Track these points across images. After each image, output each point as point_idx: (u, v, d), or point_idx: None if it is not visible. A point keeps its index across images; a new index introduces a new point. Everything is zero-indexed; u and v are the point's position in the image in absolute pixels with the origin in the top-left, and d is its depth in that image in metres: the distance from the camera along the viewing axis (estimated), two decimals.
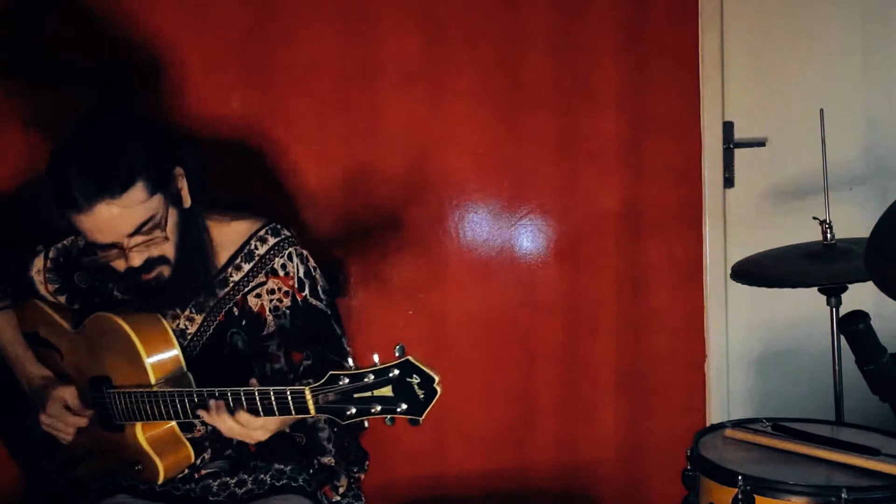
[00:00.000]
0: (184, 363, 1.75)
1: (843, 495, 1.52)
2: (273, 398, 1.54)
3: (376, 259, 2.50)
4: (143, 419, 1.71)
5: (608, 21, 2.57)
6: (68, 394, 1.80)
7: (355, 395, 1.46)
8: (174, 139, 1.78)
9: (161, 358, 1.72)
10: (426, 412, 1.44)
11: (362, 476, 1.99)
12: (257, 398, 1.56)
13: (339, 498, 1.90)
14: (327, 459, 1.90)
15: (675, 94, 2.61)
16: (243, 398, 1.57)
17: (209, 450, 1.86)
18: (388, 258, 2.50)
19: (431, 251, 2.53)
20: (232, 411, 1.59)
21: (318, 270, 1.91)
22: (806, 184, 2.56)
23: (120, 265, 1.67)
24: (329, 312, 1.90)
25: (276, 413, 1.55)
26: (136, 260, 1.65)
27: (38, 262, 1.91)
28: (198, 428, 1.84)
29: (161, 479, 1.76)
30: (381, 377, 1.44)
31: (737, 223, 2.69)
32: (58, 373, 1.89)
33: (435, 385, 1.43)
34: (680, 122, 2.62)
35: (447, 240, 2.54)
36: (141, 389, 1.70)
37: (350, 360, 1.48)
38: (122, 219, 1.60)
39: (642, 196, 2.61)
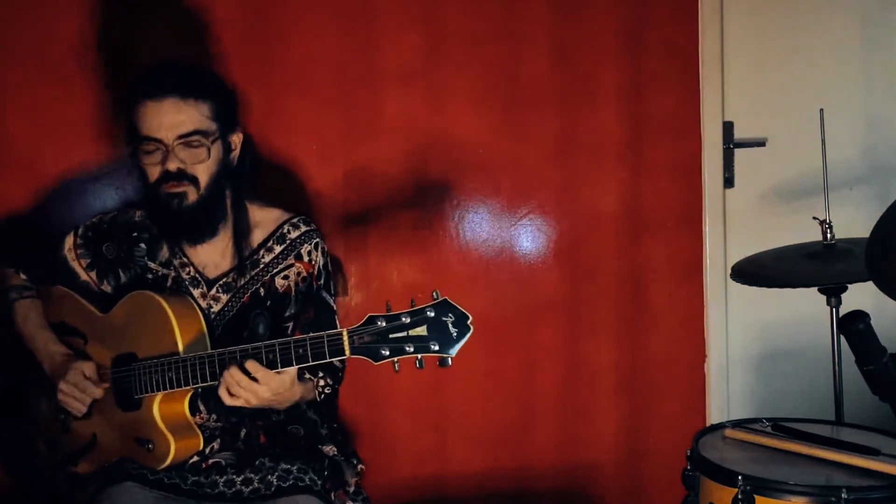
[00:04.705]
0: (208, 339, 1.82)
1: (843, 495, 1.52)
2: (308, 344, 1.59)
3: (376, 259, 2.50)
4: (166, 387, 1.75)
5: (608, 20, 2.57)
6: (87, 366, 1.87)
7: (391, 336, 1.53)
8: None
9: (189, 331, 1.80)
10: (457, 348, 1.52)
11: (363, 468, 2.03)
12: (292, 346, 1.61)
13: (350, 503, 1.93)
14: (329, 448, 1.95)
15: (675, 94, 2.61)
16: (277, 349, 1.63)
17: (218, 440, 1.89)
18: (387, 258, 2.50)
19: (431, 251, 2.53)
20: (247, 372, 1.64)
21: (330, 270, 2.02)
22: (806, 184, 2.56)
23: (154, 172, 1.82)
24: (335, 310, 2.01)
25: (310, 359, 1.60)
26: (173, 164, 1.81)
27: (69, 241, 2.01)
28: (201, 414, 1.88)
29: (169, 460, 1.78)
30: (417, 317, 1.53)
31: (737, 223, 2.69)
32: (80, 356, 1.94)
33: (468, 323, 1.52)
34: (680, 122, 2.62)
35: (447, 240, 2.53)
36: (169, 358, 1.76)
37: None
38: (180, 117, 1.80)
39: (642, 196, 2.61)
